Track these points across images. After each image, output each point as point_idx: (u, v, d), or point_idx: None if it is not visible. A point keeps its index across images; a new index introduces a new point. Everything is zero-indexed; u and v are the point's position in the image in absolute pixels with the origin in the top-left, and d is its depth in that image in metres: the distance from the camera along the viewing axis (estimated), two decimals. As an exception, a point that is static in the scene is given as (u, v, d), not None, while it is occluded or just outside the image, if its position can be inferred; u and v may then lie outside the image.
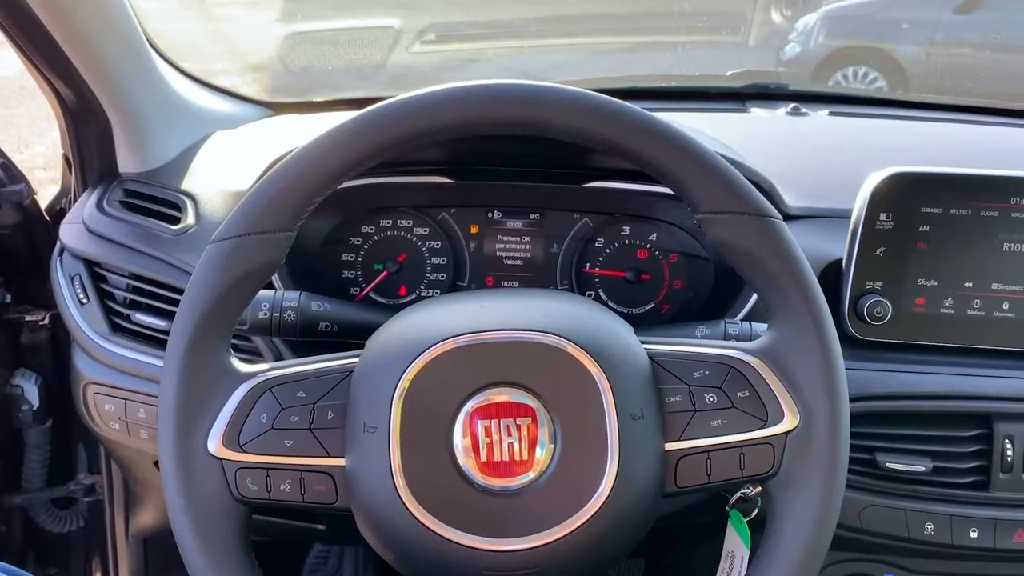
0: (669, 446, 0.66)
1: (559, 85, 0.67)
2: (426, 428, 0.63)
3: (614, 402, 0.63)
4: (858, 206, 0.88)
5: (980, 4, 5.26)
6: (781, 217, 0.67)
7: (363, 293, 1.06)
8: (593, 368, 0.64)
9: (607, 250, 1.04)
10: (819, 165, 1.10)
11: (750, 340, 0.71)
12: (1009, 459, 0.85)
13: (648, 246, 1.04)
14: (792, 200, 1.00)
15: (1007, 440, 0.86)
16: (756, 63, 1.45)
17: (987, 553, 0.87)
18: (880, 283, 0.89)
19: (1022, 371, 0.87)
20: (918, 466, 0.85)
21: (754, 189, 0.67)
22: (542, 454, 0.63)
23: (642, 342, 0.69)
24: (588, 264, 1.05)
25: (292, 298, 0.83)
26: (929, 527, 0.86)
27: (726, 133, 1.29)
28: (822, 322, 0.65)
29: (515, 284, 1.06)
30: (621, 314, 1.05)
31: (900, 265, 0.88)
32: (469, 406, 0.63)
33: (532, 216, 1.06)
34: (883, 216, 0.88)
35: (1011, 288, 0.88)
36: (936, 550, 0.87)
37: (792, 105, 1.35)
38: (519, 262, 1.06)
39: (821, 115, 1.36)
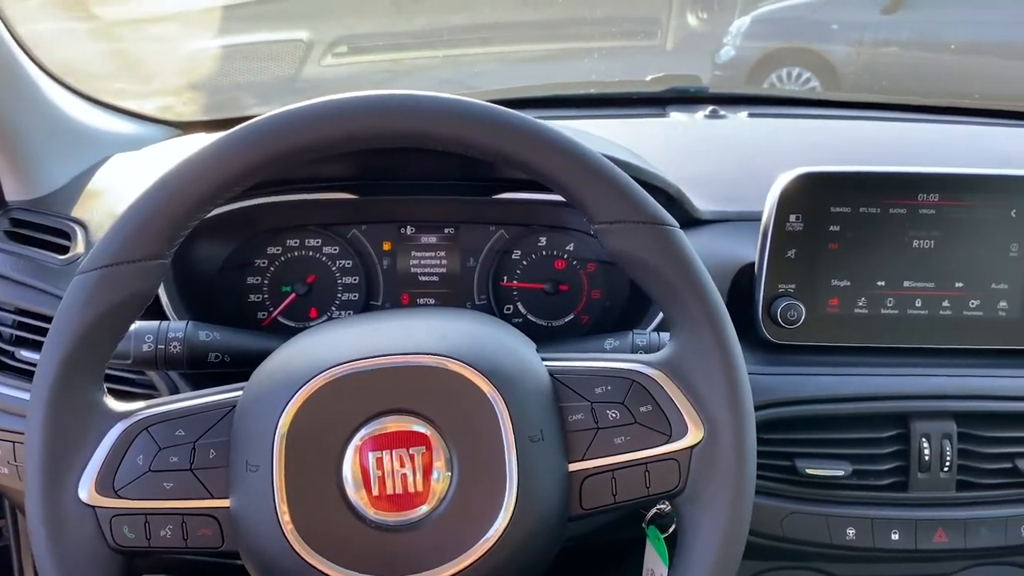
0: (573, 467, 0.63)
1: (443, 94, 0.64)
2: (312, 463, 0.59)
3: (512, 425, 0.60)
4: (767, 208, 0.87)
5: (904, 4, 5.40)
6: (678, 225, 0.65)
7: (271, 317, 1.01)
8: (489, 390, 0.61)
9: (524, 262, 1.02)
10: (734, 167, 1.09)
11: (658, 351, 0.69)
12: (926, 458, 0.85)
13: (565, 256, 1.02)
14: (705, 204, 0.99)
15: (924, 439, 0.85)
16: (677, 67, 1.44)
17: (909, 554, 0.86)
18: (793, 285, 0.87)
19: (936, 368, 0.87)
20: (838, 470, 0.84)
21: (649, 197, 0.65)
22: (438, 484, 0.60)
23: (543, 359, 0.66)
24: (505, 277, 1.02)
25: (178, 328, 0.78)
26: (851, 532, 0.85)
27: (645, 138, 1.28)
28: (722, 332, 0.63)
29: (431, 301, 1.03)
30: (540, 327, 1.03)
31: (812, 266, 0.87)
32: (358, 437, 0.60)
33: (446, 230, 1.03)
34: (793, 218, 0.87)
35: (922, 285, 0.88)
36: (859, 554, 0.86)
37: (710, 108, 1.35)
38: (435, 278, 1.03)
39: (740, 117, 1.35)
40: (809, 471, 0.84)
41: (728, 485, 0.62)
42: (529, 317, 1.02)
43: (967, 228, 0.87)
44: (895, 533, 0.85)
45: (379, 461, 0.59)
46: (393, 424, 0.60)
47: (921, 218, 0.87)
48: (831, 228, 0.87)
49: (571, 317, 1.02)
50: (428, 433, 0.60)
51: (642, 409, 0.63)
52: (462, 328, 0.65)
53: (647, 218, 0.63)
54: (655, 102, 1.42)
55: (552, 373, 0.65)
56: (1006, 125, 1.36)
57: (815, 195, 0.86)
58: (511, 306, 1.03)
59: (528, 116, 0.64)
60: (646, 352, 0.77)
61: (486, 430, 0.60)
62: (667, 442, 0.63)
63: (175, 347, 0.77)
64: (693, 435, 0.63)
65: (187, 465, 0.61)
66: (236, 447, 0.61)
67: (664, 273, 0.63)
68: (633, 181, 0.64)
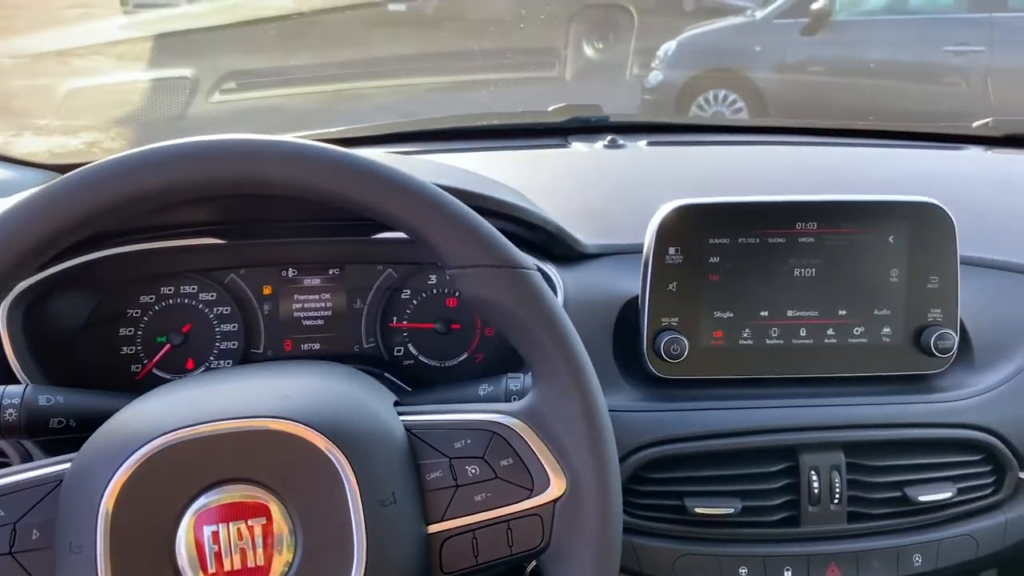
0: (432, 529, 0.60)
1: (282, 137, 0.61)
2: (142, 542, 0.55)
3: (359, 489, 0.56)
4: (647, 242, 0.85)
5: (824, 26, 5.55)
6: (534, 267, 0.63)
7: (145, 370, 0.96)
8: (333, 453, 0.57)
9: (414, 301, 0.98)
10: (625, 198, 1.08)
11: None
12: (816, 491, 0.83)
13: (457, 294, 0.98)
14: (594, 237, 0.97)
15: (813, 472, 0.83)
16: (580, 97, 1.43)
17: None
18: (676, 319, 0.86)
19: (823, 399, 0.86)
20: (728, 508, 0.82)
21: (503, 240, 0.62)
22: (281, 557, 0.56)
23: (401, 413, 0.63)
24: (395, 318, 0.99)
25: (14, 393, 0.73)
26: (743, 571, 0.83)
27: (545, 170, 1.27)
28: (583, 378, 0.61)
29: (316, 346, 0.99)
30: (433, 368, 1.00)
31: (694, 299, 0.86)
32: (192, 510, 0.55)
33: (331, 271, 0.99)
34: (672, 250, 0.85)
35: (806, 314, 0.87)
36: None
37: (609, 137, 1.34)
38: (319, 322, 0.99)
39: (639, 146, 1.35)
40: (698, 510, 0.82)
41: (593, 540, 0.59)
42: (421, 358, 0.99)
43: (847, 255, 0.86)
44: (787, 570, 0.83)
45: (215, 535, 0.55)
46: (230, 494, 0.56)
47: (801, 247, 0.86)
48: (711, 260, 0.86)
49: (464, 356, 0.99)
50: (268, 502, 0.56)
51: (503, 463, 0.60)
52: (305, 386, 0.62)
53: (501, 261, 0.61)
54: (557, 132, 1.41)
55: (409, 429, 0.62)
56: (907, 147, 1.39)
57: (693, 227, 0.85)
58: (401, 348, 0.99)
59: (373, 158, 0.61)
60: (520, 396, 0.74)
61: (331, 496, 0.56)
62: (529, 497, 0.60)
63: (10, 414, 0.71)
64: (556, 488, 0.60)
65: (7, 549, 0.56)
66: (61, 527, 0.56)
67: (520, 318, 0.61)
68: (486, 223, 0.62)
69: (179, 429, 0.56)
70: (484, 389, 0.75)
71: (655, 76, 5.95)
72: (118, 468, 0.55)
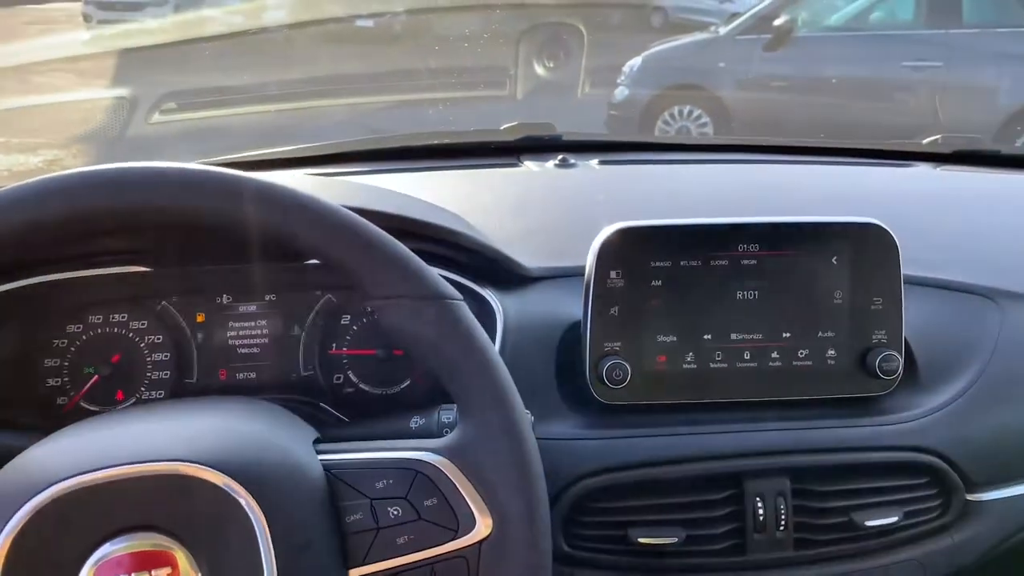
0: (353, 573, 0.57)
1: (193, 165, 0.59)
2: None
3: (271, 535, 0.54)
4: (588, 266, 0.84)
5: (786, 42, 5.62)
6: (459, 298, 0.60)
7: (71, 403, 0.92)
8: (243, 497, 0.54)
9: (354, 327, 0.96)
10: (572, 219, 1.06)
11: None
12: (762, 518, 0.82)
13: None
14: (538, 259, 0.95)
15: (758, 499, 0.82)
16: (532, 115, 1.42)
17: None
18: (618, 343, 0.84)
19: (769, 423, 0.84)
20: (671, 537, 0.80)
21: (428, 269, 0.60)
22: None
23: (321, 452, 0.60)
24: (334, 344, 0.96)
25: None
26: (688, 603, 0.81)
27: (495, 190, 1.25)
28: (509, 414, 0.59)
29: (251, 375, 0.95)
30: (374, 396, 0.97)
31: (636, 323, 0.84)
32: (92, 562, 0.52)
33: (267, 297, 0.96)
34: (613, 274, 0.84)
35: (750, 337, 0.85)
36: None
37: (561, 156, 1.33)
38: (255, 350, 0.96)
39: (591, 164, 1.33)
40: (642, 540, 0.80)
41: None
42: (361, 386, 0.96)
43: (790, 277, 0.85)
44: (733, 600, 0.81)
45: None
46: (132, 544, 0.53)
47: (743, 269, 0.85)
48: (653, 283, 0.84)
49: (408, 383, 0.96)
50: (174, 551, 0.53)
51: (427, 503, 0.58)
52: (215, 426, 0.59)
53: (423, 292, 0.59)
54: (509, 151, 1.39)
55: (328, 469, 0.59)
56: (857, 164, 1.39)
57: (634, 250, 0.84)
58: (341, 375, 0.96)
59: (286, 184, 0.59)
60: (451, 430, 0.72)
61: (241, 542, 0.53)
62: (454, 538, 0.58)
63: None
64: (482, 528, 0.58)
65: None
66: None
67: (444, 351, 0.59)
68: (407, 251, 0.60)
69: (76, 476, 0.53)
70: (416, 422, 0.73)
71: (621, 92, 5.99)
72: (7, 523, 0.52)
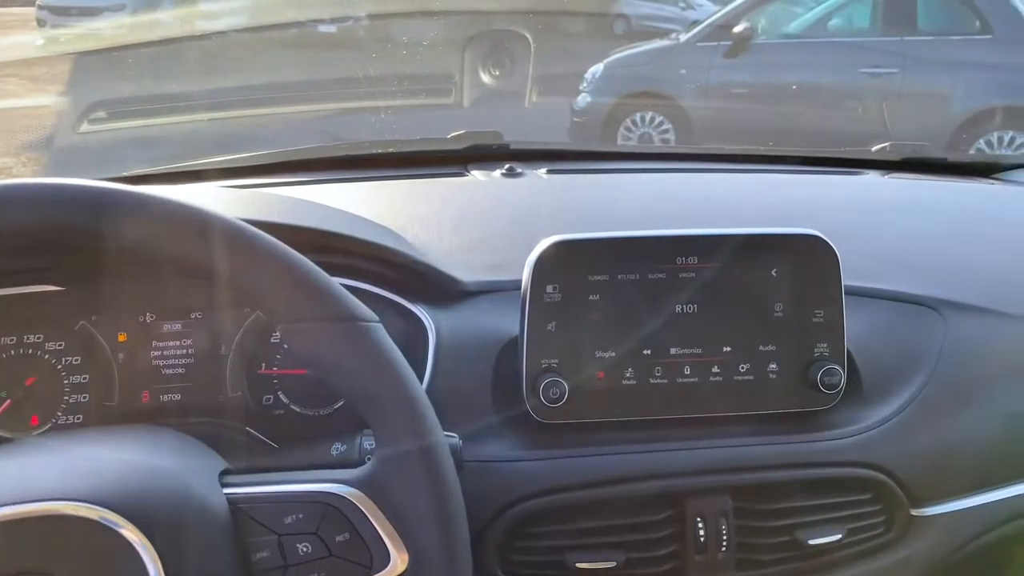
0: None
1: (59, 180, 0.55)
2: None
3: (164, 575, 0.50)
4: (524, 280, 0.81)
5: (746, 49, 5.67)
6: (375, 319, 0.57)
7: (-18, 429, 0.87)
8: (131, 534, 0.50)
9: (285, 345, 0.92)
10: (515, 231, 1.04)
11: None
12: (702, 539, 0.79)
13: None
14: (477, 273, 0.92)
15: (699, 519, 0.80)
16: (480, 124, 1.39)
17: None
18: (556, 360, 0.81)
19: (710, 440, 0.82)
20: (610, 562, 0.77)
21: (339, 289, 0.57)
22: None
23: (227, 485, 0.56)
24: (263, 364, 0.92)
25: None
26: (626, 628, 0.78)
27: (440, 200, 1.22)
28: (427, 442, 0.55)
29: (176, 396, 0.91)
30: (306, 417, 0.93)
31: (574, 339, 0.81)
32: None
33: (193, 315, 0.91)
34: (550, 288, 0.81)
35: (690, 351, 0.83)
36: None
37: (507, 166, 1.30)
38: (180, 370, 0.91)
39: (538, 174, 1.31)
40: (580, 566, 0.77)
41: None
42: (292, 407, 0.92)
43: (730, 290, 0.83)
44: (673, 625, 0.79)
45: None
46: None
47: (682, 282, 0.82)
48: (590, 297, 0.81)
49: (340, 403, 0.92)
50: None
51: (338, 538, 0.55)
52: (106, 460, 0.55)
53: (334, 314, 0.55)
54: (456, 160, 1.36)
55: (233, 503, 0.55)
56: (806, 172, 1.38)
57: (571, 264, 0.81)
58: (271, 396, 0.92)
59: (181, 198, 0.55)
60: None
61: None
62: (367, 575, 0.54)
63: None
64: (397, 564, 0.54)
65: None
66: None
67: (357, 376, 0.55)
68: (317, 271, 0.56)
69: None
70: (337, 449, 0.69)
71: (583, 99, 6.00)
72: None
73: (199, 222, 0.54)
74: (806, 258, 0.84)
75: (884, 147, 1.44)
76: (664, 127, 5.96)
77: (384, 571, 0.54)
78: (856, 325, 0.87)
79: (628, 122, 6.04)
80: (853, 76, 5.32)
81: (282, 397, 0.92)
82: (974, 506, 0.86)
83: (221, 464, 0.59)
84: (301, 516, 0.55)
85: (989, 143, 4.70)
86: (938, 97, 4.88)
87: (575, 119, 5.91)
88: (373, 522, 0.55)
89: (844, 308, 0.84)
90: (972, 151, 4.49)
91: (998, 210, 1.22)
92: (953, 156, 1.45)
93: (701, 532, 0.79)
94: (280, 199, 0.96)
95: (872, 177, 1.34)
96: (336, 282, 0.57)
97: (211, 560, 0.52)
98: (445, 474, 0.56)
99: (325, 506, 0.55)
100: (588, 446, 0.81)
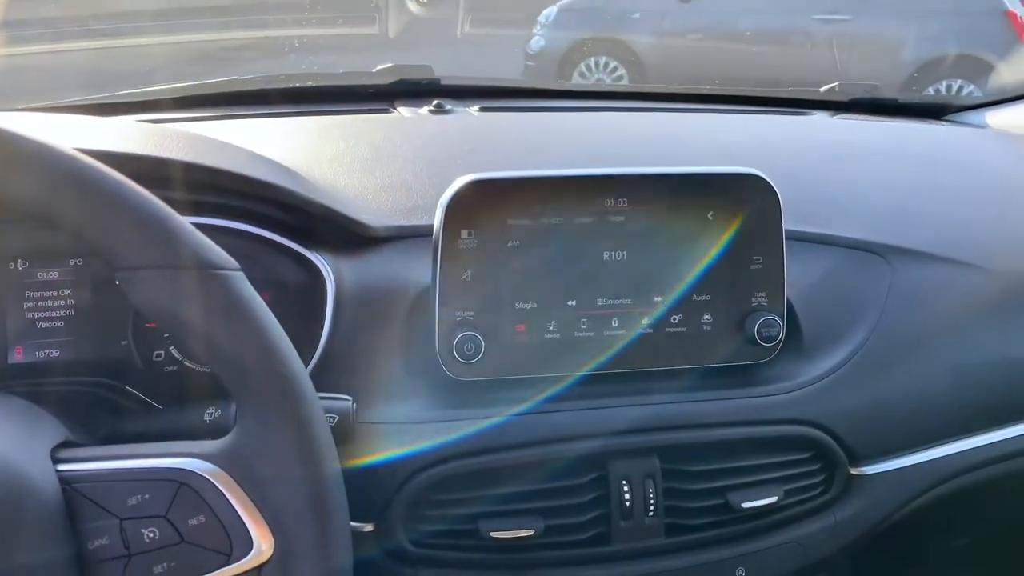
0: None
1: None
2: None
3: None
4: (437, 224, 0.73)
5: (700, -8, 5.57)
6: (236, 267, 0.49)
7: None
8: None
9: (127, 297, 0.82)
10: (436, 171, 0.95)
11: None
12: (628, 503, 0.73)
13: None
14: (390, 217, 0.83)
15: (624, 483, 0.74)
16: (409, 57, 1.28)
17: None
18: (471, 312, 0.74)
19: (638, 397, 0.76)
20: (528, 529, 0.71)
21: (192, 232, 0.48)
22: None
23: (61, 460, 0.48)
24: (155, 316, 0.82)
25: None
26: (546, 601, 0.72)
27: (356, 138, 1.12)
28: (295, 407, 0.48)
29: (55, 352, 0.82)
30: (204, 375, 0.85)
31: (492, 289, 0.74)
32: None
33: (72, 262, 0.82)
34: (465, 234, 0.73)
35: (618, 303, 0.76)
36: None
37: (436, 102, 1.20)
38: (59, 323, 0.82)
39: (470, 111, 1.22)
40: (494, 534, 0.71)
41: None
42: (186, 363, 0.83)
43: (662, 235, 0.76)
44: (596, 596, 0.73)
45: None
46: None
47: (610, 227, 0.75)
48: (510, 244, 0.74)
49: None
50: None
51: (192, 522, 0.47)
52: None
53: (185, 261, 0.47)
54: (382, 96, 1.26)
55: (68, 482, 0.47)
56: (753, 112, 1.31)
57: (488, 206, 0.73)
58: (161, 352, 0.83)
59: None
60: None
61: None
62: (227, 563, 0.47)
63: None
64: (262, 550, 0.47)
65: None
66: None
67: (213, 333, 0.47)
68: (166, 210, 0.47)
69: None
70: (210, 414, 0.61)
71: (536, 42, 5.87)
72: None
73: (10, 142, 0.44)
74: (745, 200, 0.77)
75: (833, 87, 1.37)
76: (618, 73, 5.86)
77: (246, 559, 0.47)
78: (797, 273, 0.81)
79: (583, 67, 5.95)
80: (806, 23, 5.28)
81: (174, 353, 0.83)
82: (916, 464, 0.82)
83: (60, 436, 0.51)
84: (148, 496, 0.47)
85: (938, 91, 4.70)
86: (890, 43, 4.86)
87: (528, 63, 5.79)
88: (233, 503, 0.47)
89: (785, 255, 0.78)
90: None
91: (949, 153, 1.17)
92: (904, 97, 1.38)
93: (627, 496, 0.73)
94: (162, 131, 0.86)
95: (819, 118, 1.28)
96: (190, 225, 0.48)
97: (34, 550, 0.44)
98: (320, 446, 0.48)
99: (177, 484, 0.47)
100: (506, 405, 0.74)
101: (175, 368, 0.83)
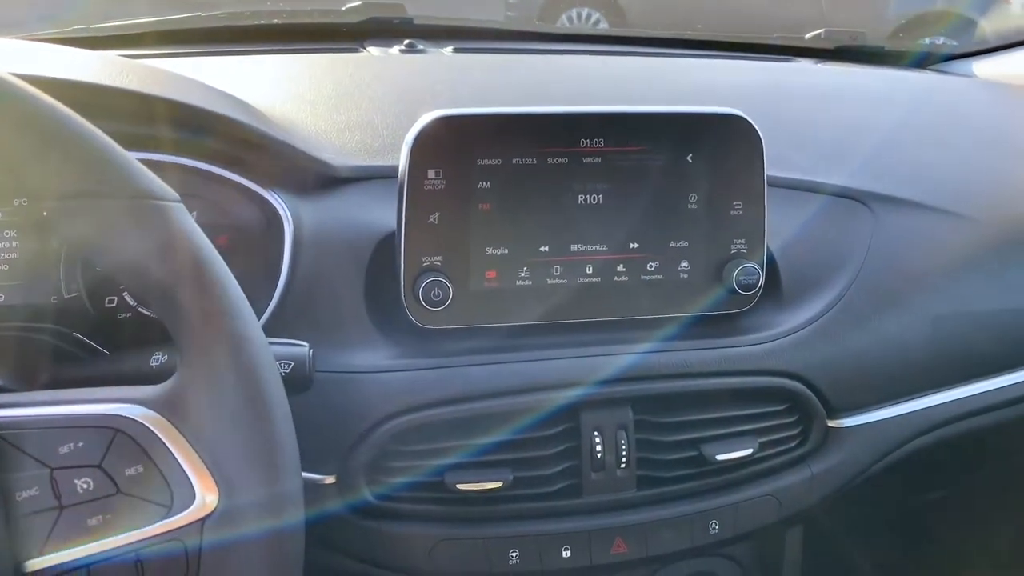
0: (30, 567, 0.43)
1: None
2: None
3: None
4: (403, 162, 0.69)
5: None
6: (176, 198, 0.45)
7: None
8: None
9: (56, 231, 0.78)
10: (405, 111, 0.90)
11: None
12: (599, 454, 0.71)
13: None
14: (349, 158, 0.79)
15: (596, 433, 0.71)
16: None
17: (585, 571, 0.73)
18: (439, 257, 0.70)
19: (611, 347, 0.73)
20: (495, 481, 0.69)
21: (131, 162, 0.44)
22: None
23: None
24: (107, 261, 0.78)
25: None
26: (514, 554, 0.71)
27: (323, 77, 1.07)
28: (242, 348, 0.44)
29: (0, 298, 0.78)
30: (156, 322, 0.81)
31: (461, 233, 0.70)
32: None
33: (17, 202, 0.77)
34: (432, 174, 0.69)
35: (593, 248, 0.73)
36: (530, 577, 0.72)
37: (407, 42, 1.15)
38: (3, 267, 0.77)
39: (443, 52, 1.17)
40: (461, 486, 0.68)
41: (254, 568, 0.43)
42: (141, 309, 0.79)
43: (639, 178, 0.73)
44: (566, 549, 0.71)
45: None
46: None
47: (586, 168, 0.71)
48: (480, 185, 0.70)
49: None
50: None
51: (129, 472, 0.44)
52: None
53: (119, 190, 0.43)
54: (352, 35, 1.21)
55: None
56: (736, 58, 1.27)
57: (457, 145, 0.69)
58: (114, 297, 0.79)
59: None
60: None
61: None
62: (167, 516, 0.44)
63: None
64: (205, 502, 0.44)
65: None
66: None
67: (151, 269, 0.43)
68: (100, 136, 0.43)
69: None
70: (157, 359, 0.58)
71: (517, -11, 5.75)
72: None
73: None
74: (726, 142, 0.73)
75: (818, 34, 1.33)
76: (601, 26, 5.76)
77: (187, 512, 0.44)
78: (778, 220, 0.78)
79: (564, 19, 5.84)
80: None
81: (128, 299, 0.79)
82: (895, 416, 0.81)
83: None
84: (81, 445, 0.44)
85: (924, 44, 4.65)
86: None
87: (509, 13, 5.68)
88: (173, 451, 0.44)
89: (766, 201, 0.75)
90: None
91: (935, 102, 1.13)
92: (890, 45, 1.34)
93: (598, 447, 0.71)
94: (110, 60, 0.81)
95: (804, 65, 1.24)
96: (125, 152, 0.44)
97: (-44, 503, 0.41)
98: (267, 391, 0.45)
99: (112, 432, 0.44)
100: (474, 354, 0.71)
101: (129, 315, 0.79)
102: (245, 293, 0.62)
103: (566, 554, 0.71)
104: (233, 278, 0.46)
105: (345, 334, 0.70)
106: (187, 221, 0.45)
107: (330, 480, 0.69)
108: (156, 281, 0.44)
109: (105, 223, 0.43)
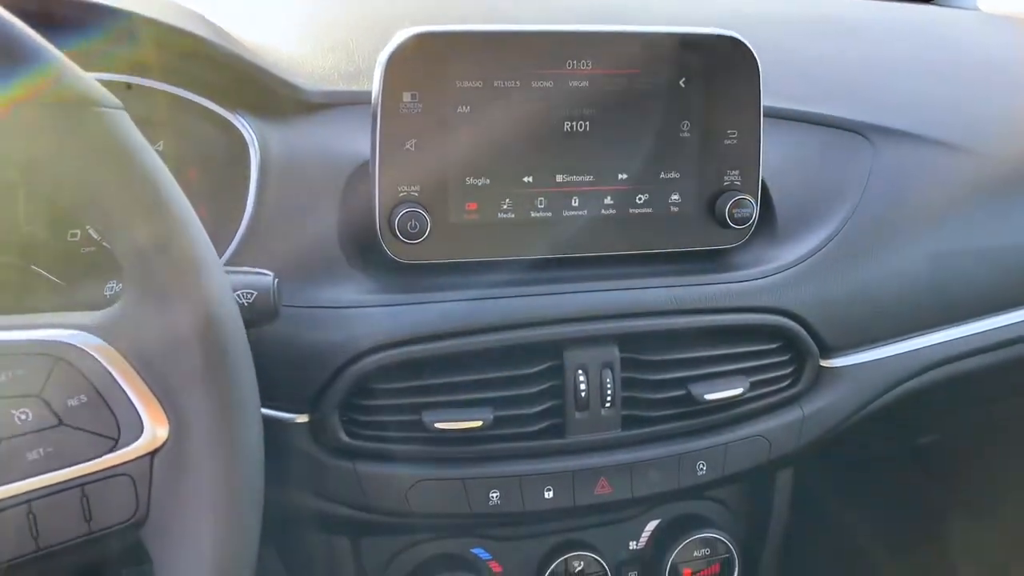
0: None
1: None
2: None
3: None
4: (376, 84, 0.64)
5: None
6: (118, 105, 0.41)
7: None
8: None
9: None
10: (380, 35, 0.85)
11: None
12: (583, 394, 0.69)
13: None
14: (322, 82, 0.75)
15: (580, 371, 0.68)
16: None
17: (567, 513, 0.71)
18: (416, 187, 0.66)
19: (597, 283, 0.70)
20: (476, 420, 0.66)
21: (64, 61, 0.40)
22: None
23: None
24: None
25: None
26: (495, 495, 0.68)
27: None
28: (194, 271, 0.41)
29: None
30: (107, 254, 0.77)
31: (439, 161, 0.67)
32: None
33: None
34: (408, 97, 0.65)
35: (579, 179, 0.69)
36: (511, 519, 0.70)
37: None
38: None
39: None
40: (439, 425, 0.66)
41: (208, 504, 0.41)
42: (105, 244, 0.76)
43: (629, 104, 0.69)
44: (548, 490, 0.69)
45: None
46: None
47: (573, 92, 0.67)
48: (459, 109, 0.66)
49: None
50: None
51: (71, 402, 0.41)
52: None
53: (53, 94, 0.39)
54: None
55: None
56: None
57: (435, 65, 0.65)
58: (77, 231, 0.75)
59: None
60: None
61: None
62: (113, 449, 0.41)
63: None
64: (154, 435, 0.41)
65: None
66: None
67: (87, 182, 0.39)
68: (31, 35, 0.39)
69: None
70: (111, 288, 0.54)
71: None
72: None
73: None
74: (721, 67, 0.69)
75: (820, -37, 1.27)
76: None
77: (135, 445, 0.41)
78: (774, 152, 0.74)
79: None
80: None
81: (92, 232, 0.75)
82: (889, 356, 0.78)
83: None
84: (19, 373, 0.40)
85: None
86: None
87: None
88: (120, 380, 0.41)
89: (762, 130, 0.71)
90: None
91: (938, 33, 1.09)
92: (894, -24, 1.29)
93: (582, 386, 0.68)
94: None
95: (805, -5, 1.18)
96: (58, 51, 0.40)
97: None
98: (223, 316, 0.42)
99: (53, 359, 0.41)
100: (449, 290, 0.67)
101: (93, 249, 0.76)
102: (212, 224, 0.58)
103: (548, 495, 0.69)
104: (183, 195, 0.42)
105: (317, 267, 0.67)
106: (130, 129, 0.41)
107: (302, 419, 0.66)
108: (92, 195, 0.40)
109: (36, 131, 0.39)
